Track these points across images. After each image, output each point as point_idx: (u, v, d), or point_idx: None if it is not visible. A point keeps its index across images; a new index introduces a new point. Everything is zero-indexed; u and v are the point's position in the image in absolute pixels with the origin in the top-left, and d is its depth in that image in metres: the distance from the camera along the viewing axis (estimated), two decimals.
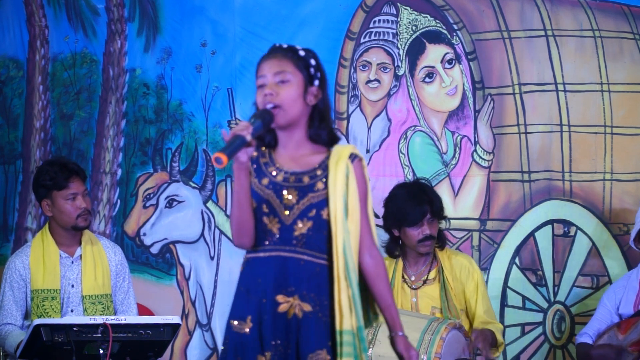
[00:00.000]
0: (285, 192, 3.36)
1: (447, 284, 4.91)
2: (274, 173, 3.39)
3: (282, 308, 3.31)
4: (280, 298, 3.32)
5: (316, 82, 3.40)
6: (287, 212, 3.35)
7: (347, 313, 3.29)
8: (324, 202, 3.34)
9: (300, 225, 3.34)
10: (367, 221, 3.40)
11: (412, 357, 3.40)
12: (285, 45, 3.44)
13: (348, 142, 5.66)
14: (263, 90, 3.37)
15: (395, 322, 3.43)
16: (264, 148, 3.43)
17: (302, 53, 3.41)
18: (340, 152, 3.39)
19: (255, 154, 3.42)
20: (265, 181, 3.38)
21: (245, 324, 3.34)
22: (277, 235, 3.35)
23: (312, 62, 3.41)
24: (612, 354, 4.88)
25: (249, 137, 3.24)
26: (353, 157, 3.38)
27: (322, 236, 3.34)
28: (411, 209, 4.88)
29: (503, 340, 4.95)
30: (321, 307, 3.31)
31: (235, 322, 3.36)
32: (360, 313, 3.33)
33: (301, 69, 3.38)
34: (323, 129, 3.41)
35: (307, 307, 3.30)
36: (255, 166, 3.41)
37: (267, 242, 3.36)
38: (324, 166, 3.37)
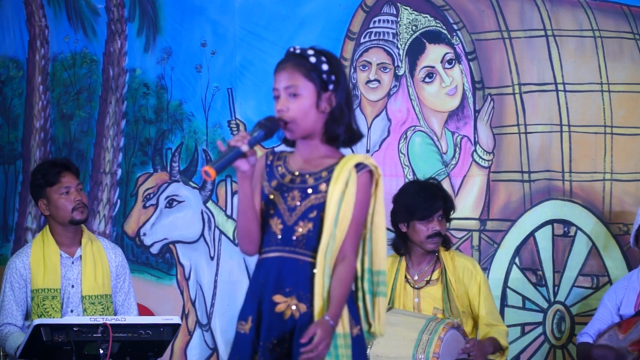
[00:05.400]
0: (290, 193, 3.35)
1: (449, 285, 4.90)
2: (283, 175, 3.38)
3: (279, 308, 3.31)
4: (277, 298, 3.32)
5: (330, 87, 3.35)
6: (289, 213, 3.34)
7: (319, 317, 3.28)
8: (325, 205, 3.33)
9: (301, 225, 3.33)
10: (356, 230, 3.33)
11: (318, 337, 3.20)
12: (297, 51, 3.37)
13: None
14: (277, 103, 3.35)
15: (331, 311, 3.25)
16: (283, 153, 3.42)
17: (313, 60, 3.34)
18: (348, 160, 3.35)
19: (271, 157, 3.42)
20: (274, 183, 3.38)
21: (246, 324, 3.35)
22: (280, 236, 3.34)
23: (324, 67, 3.34)
24: (613, 357, 4.87)
25: (245, 148, 3.23)
26: (361, 166, 3.33)
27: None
28: (424, 203, 4.87)
29: (507, 344, 4.94)
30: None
31: (239, 323, 3.38)
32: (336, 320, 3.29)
33: (312, 79, 3.33)
34: (339, 130, 3.36)
35: (304, 308, 3.30)
36: (267, 169, 3.40)
37: (271, 243, 3.35)
38: (331, 169, 3.35)
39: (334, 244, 3.30)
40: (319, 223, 3.32)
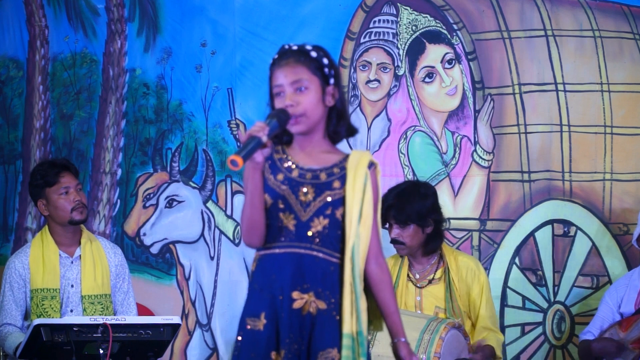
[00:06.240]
0: (302, 188, 3.34)
1: (452, 284, 4.90)
2: (290, 169, 3.38)
3: (297, 305, 3.30)
4: (295, 295, 3.31)
5: (332, 81, 3.37)
6: (303, 209, 3.33)
7: (347, 317, 3.29)
8: (340, 202, 3.33)
9: (316, 222, 3.32)
10: (376, 228, 3.39)
11: None
12: (295, 47, 3.38)
13: (348, 142, 5.65)
14: (282, 99, 3.34)
15: (398, 329, 3.41)
16: (278, 147, 3.42)
17: (314, 54, 3.36)
18: (360, 158, 3.37)
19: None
20: (280, 177, 3.36)
21: (259, 321, 3.32)
22: (293, 232, 3.33)
23: (325, 61, 3.37)
24: (613, 347, 4.88)
25: (265, 138, 3.22)
26: (370, 164, 3.37)
27: (336, 235, 3.33)
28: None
29: (501, 355, 4.93)
30: (335, 306, 3.31)
31: (249, 320, 3.34)
32: (362, 318, 3.31)
33: (316, 72, 3.35)
34: (342, 126, 3.40)
35: (322, 305, 3.30)
36: (269, 162, 3.38)
37: (282, 239, 3.34)
38: (342, 166, 3.36)
39: (359, 242, 3.31)
40: (334, 220, 3.32)
